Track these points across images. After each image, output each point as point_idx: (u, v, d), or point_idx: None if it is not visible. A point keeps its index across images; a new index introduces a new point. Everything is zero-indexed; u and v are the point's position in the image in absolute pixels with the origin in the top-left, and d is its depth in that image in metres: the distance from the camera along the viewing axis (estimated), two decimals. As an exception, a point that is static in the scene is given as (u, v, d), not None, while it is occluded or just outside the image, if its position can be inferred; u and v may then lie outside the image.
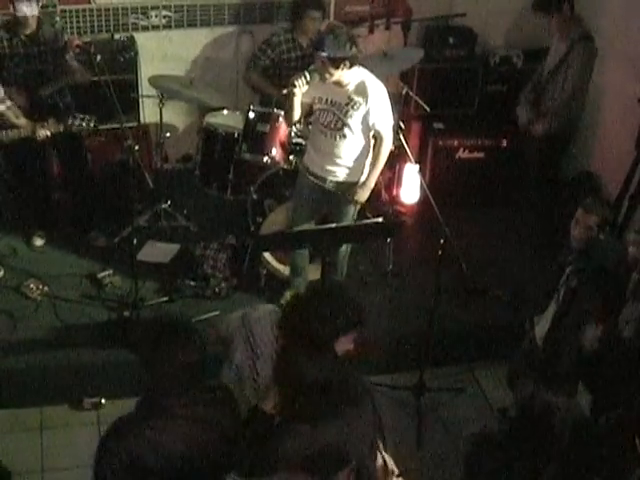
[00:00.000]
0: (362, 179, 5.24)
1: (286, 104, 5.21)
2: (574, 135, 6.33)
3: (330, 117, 5.10)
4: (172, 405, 3.10)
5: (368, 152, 5.19)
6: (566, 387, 3.16)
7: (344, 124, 5.07)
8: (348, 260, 5.68)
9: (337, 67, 4.85)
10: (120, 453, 3.05)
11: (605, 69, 6.28)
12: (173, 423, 3.10)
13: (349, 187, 5.25)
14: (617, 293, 4.31)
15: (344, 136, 5.10)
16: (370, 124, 5.06)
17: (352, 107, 5.02)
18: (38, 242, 6.08)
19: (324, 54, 4.82)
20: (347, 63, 4.85)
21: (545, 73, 6.11)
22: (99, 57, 5.40)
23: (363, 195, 5.27)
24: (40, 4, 5.36)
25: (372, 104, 5.01)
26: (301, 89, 4.98)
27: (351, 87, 5.02)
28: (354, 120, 5.05)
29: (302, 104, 5.13)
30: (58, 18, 5.72)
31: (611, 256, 4.35)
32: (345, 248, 5.56)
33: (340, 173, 5.23)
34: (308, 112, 5.28)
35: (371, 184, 5.26)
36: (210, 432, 3.16)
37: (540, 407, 3.12)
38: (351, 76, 4.98)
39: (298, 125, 5.86)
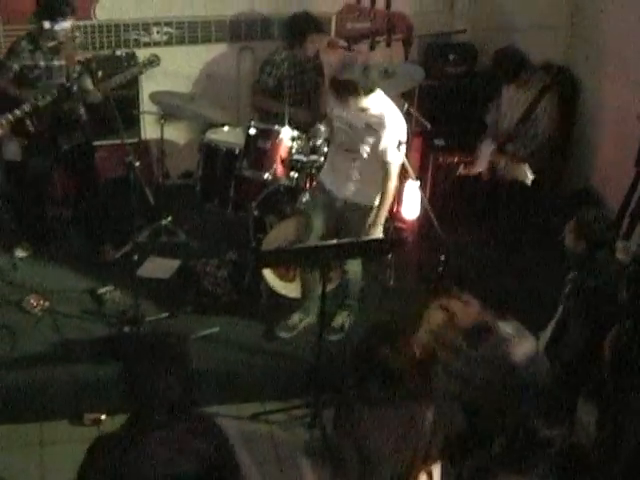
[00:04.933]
0: (375, 204, 5.17)
1: None
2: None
3: (346, 138, 5.13)
4: (153, 430, 3.05)
5: (379, 179, 5.14)
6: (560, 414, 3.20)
7: (357, 148, 5.08)
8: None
9: None
10: (98, 473, 3.00)
11: (605, 84, 6.30)
12: (152, 448, 3.03)
13: (357, 209, 5.24)
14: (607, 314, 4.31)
15: (357, 159, 5.12)
16: (380, 155, 5.04)
17: (367, 133, 5.02)
18: (20, 254, 6.04)
19: None
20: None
21: (506, 122, 6.04)
22: (100, 73, 5.43)
23: (375, 234, 5.19)
24: (70, 21, 5.39)
25: (386, 138, 4.99)
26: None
27: (371, 114, 5.01)
28: (367, 146, 5.06)
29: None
30: (78, 33, 5.72)
31: (607, 276, 4.35)
32: (355, 275, 5.56)
33: (350, 193, 5.23)
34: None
35: (380, 221, 5.20)
36: (189, 461, 3.06)
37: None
38: (371, 102, 4.98)
39: (298, 141, 5.87)
